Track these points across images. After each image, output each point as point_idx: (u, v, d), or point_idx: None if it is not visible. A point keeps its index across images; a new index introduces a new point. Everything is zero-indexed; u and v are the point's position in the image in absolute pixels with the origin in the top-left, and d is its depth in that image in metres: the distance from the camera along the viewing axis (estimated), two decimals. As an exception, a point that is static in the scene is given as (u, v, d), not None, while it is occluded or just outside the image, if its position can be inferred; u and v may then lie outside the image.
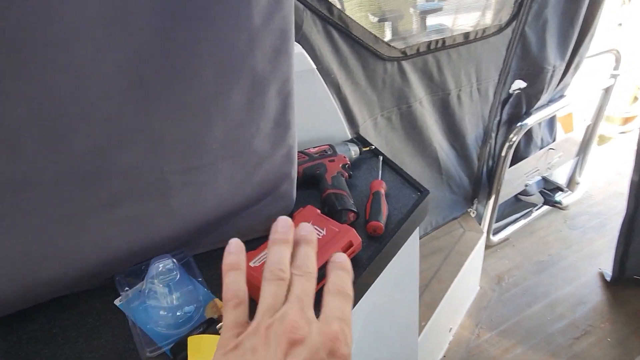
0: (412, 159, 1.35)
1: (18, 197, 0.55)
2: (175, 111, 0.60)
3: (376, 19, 1.43)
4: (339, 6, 0.93)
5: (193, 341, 0.60)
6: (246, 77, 0.61)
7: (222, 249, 0.79)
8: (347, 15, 0.95)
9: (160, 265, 0.65)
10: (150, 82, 0.56)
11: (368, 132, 1.15)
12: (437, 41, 1.17)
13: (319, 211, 0.78)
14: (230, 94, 0.61)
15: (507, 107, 1.54)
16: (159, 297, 0.65)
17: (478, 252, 1.72)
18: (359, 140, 1.07)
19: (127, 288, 0.69)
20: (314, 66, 0.92)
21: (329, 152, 0.92)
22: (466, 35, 1.23)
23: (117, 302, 0.68)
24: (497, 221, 1.96)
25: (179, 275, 0.65)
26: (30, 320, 0.66)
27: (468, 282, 1.78)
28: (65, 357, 0.61)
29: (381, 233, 0.79)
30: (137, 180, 0.62)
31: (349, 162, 0.92)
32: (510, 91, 1.52)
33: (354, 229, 0.74)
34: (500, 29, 1.31)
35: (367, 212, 0.81)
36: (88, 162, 0.57)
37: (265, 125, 0.68)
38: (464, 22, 1.52)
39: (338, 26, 0.95)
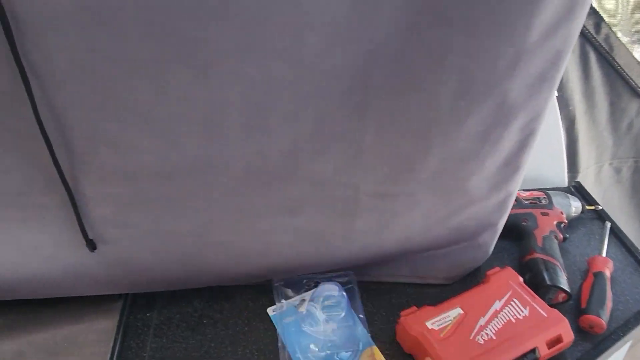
0: (628, 222, 1.07)
1: (205, 179, 0.50)
2: (391, 127, 0.49)
3: (627, 39, 1.14)
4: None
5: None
6: (493, 102, 0.47)
7: (392, 284, 0.71)
8: (617, 37, 0.73)
9: (328, 292, 0.57)
10: (373, 87, 0.46)
11: (587, 180, 0.92)
12: None
13: (521, 280, 0.61)
14: (465, 119, 0.48)
15: None
16: (314, 325, 0.57)
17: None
18: (578, 191, 0.85)
19: (283, 299, 0.62)
20: (555, 93, 0.73)
21: (542, 202, 0.74)
22: None
23: (270, 311, 0.62)
24: None
25: (344, 312, 0.56)
26: (186, 301, 0.63)
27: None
28: (209, 355, 0.57)
29: (600, 332, 0.60)
30: (327, 192, 0.54)
31: (566, 221, 0.72)
32: None
33: (566, 320, 0.56)
34: None
35: (584, 297, 0.62)
36: (281, 160, 0.50)
37: (492, 164, 0.54)
38: None
39: (600, 49, 0.74)
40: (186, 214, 0.53)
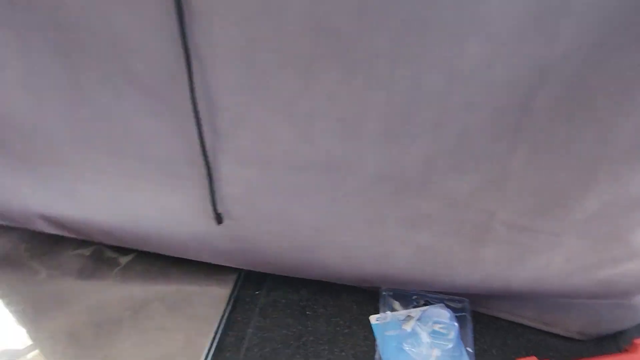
0: None
1: (335, 177, 0.49)
2: (547, 155, 0.43)
3: None
4: None
5: None
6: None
7: (511, 323, 0.63)
8: None
9: (439, 317, 0.53)
10: (535, 109, 0.40)
11: None
12: None
13: (679, 360, 0.51)
14: (647, 160, 0.40)
15: None
16: (417, 347, 0.54)
17: None
18: None
19: (388, 310, 0.60)
20: None
21: None
22: None
23: (372, 319, 0.60)
24: None
25: (452, 344, 0.51)
26: (293, 288, 0.64)
27: None
28: (306, 347, 0.57)
29: None
30: (458, 213, 0.49)
31: None
32: None
33: None
34: None
35: None
36: (416, 171, 0.47)
37: (671, 217, 0.44)
38: None
39: None
40: (310, 207, 0.53)
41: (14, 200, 0.61)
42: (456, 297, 0.60)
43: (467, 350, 0.55)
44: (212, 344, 0.56)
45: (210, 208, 0.54)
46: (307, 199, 0.52)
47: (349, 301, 0.63)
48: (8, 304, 0.60)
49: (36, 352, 0.55)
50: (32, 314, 0.59)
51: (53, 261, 0.66)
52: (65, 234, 0.66)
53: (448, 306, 0.58)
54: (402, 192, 0.49)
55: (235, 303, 0.62)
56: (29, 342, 0.56)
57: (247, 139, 0.46)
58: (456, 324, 0.53)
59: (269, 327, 0.60)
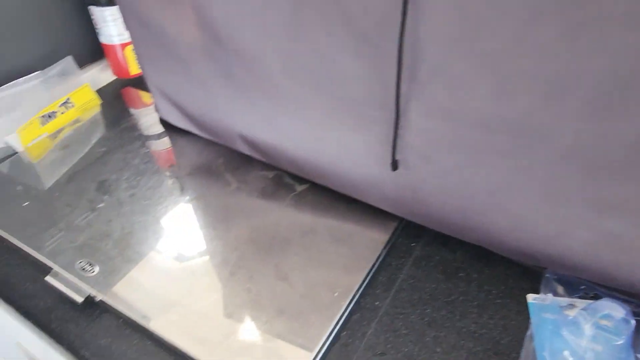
0: None
1: (523, 143, 0.47)
2: None
3: None
4: None
5: None
6: None
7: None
8: None
9: (610, 311, 0.49)
10: None
11: None
12: None
13: None
14: None
15: None
16: (576, 336, 0.51)
17: None
18: None
19: (550, 293, 0.57)
20: None
21: None
22: None
23: (530, 297, 0.58)
24: None
25: (622, 341, 0.47)
26: (449, 247, 0.65)
27: None
28: (454, 305, 0.58)
29: None
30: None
31: None
32: None
33: None
34: None
35: None
36: (622, 151, 0.42)
37: None
38: None
39: None
40: (489, 170, 0.52)
41: (223, 120, 0.72)
42: (634, 300, 0.54)
43: (637, 357, 0.50)
44: (365, 279, 0.61)
45: (388, 154, 0.56)
46: (488, 161, 0.51)
47: (505, 274, 0.61)
48: (203, 206, 0.73)
49: (221, 247, 0.66)
50: (222, 217, 0.71)
51: (242, 177, 0.77)
52: (256, 156, 0.76)
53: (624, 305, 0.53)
54: (598, 171, 0.45)
55: (391, 250, 0.66)
56: (217, 240, 0.67)
57: (443, 90, 0.47)
58: (633, 321, 0.48)
59: (420, 278, 0.62)
